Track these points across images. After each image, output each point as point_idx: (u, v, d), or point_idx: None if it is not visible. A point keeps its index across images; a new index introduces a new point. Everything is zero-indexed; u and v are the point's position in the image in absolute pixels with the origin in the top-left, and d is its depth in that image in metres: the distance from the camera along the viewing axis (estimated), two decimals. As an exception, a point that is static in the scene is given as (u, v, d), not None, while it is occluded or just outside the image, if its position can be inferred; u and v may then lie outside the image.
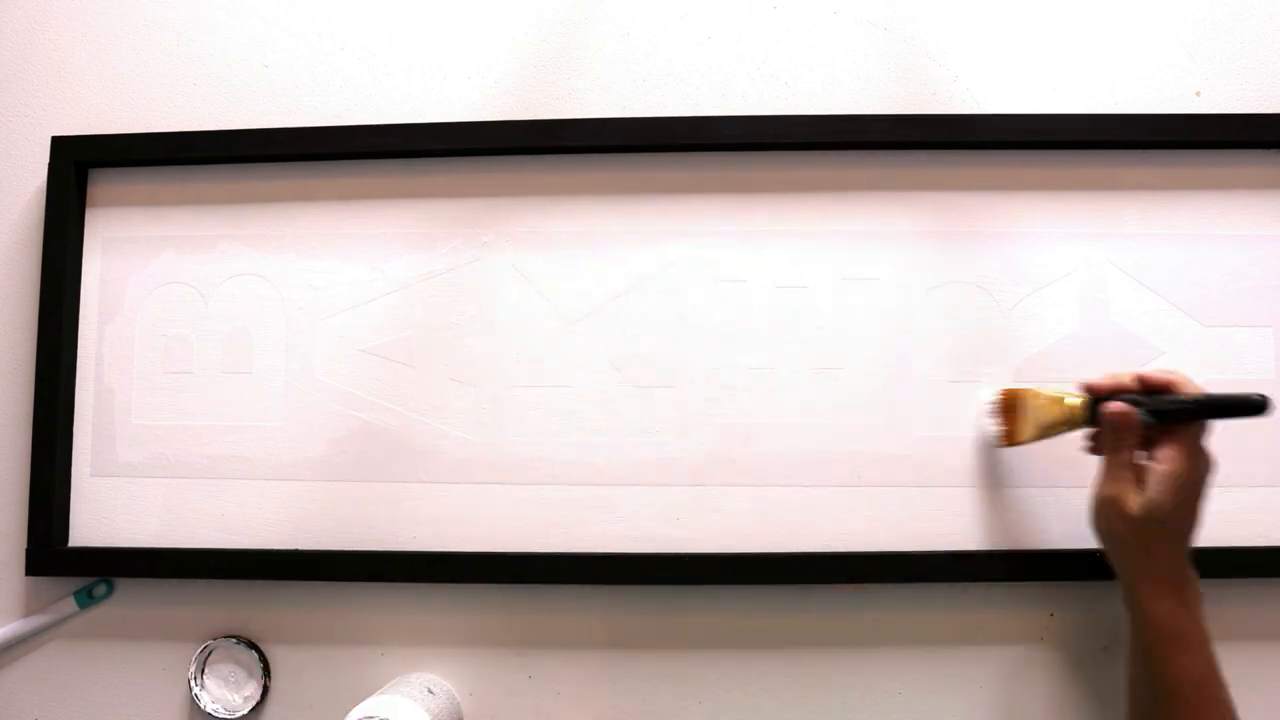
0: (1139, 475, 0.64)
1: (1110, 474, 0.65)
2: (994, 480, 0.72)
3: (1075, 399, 0.67)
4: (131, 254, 0.77)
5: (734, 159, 0.74)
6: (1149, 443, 0.64)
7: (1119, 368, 0.69)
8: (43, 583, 0.76)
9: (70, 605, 0.75)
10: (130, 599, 0.76)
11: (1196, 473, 0.63)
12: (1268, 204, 0.74)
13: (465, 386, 0.74)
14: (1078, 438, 0.69)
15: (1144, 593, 0.63)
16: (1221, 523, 0.71)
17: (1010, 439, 0.70)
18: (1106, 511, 0.65)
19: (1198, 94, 0.75)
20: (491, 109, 0.76)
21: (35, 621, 0.75)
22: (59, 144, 0.76)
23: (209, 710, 0.74)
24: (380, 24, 0.77)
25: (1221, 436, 0.71)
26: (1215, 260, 0.73)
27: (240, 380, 0.75)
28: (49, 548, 0.74)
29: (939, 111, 0.75)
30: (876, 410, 0.73)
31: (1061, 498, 0.72)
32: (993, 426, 0.71)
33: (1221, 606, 0.72)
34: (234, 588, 0.75)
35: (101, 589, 0.75)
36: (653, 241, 0.75)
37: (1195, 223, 0.73)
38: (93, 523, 0.76)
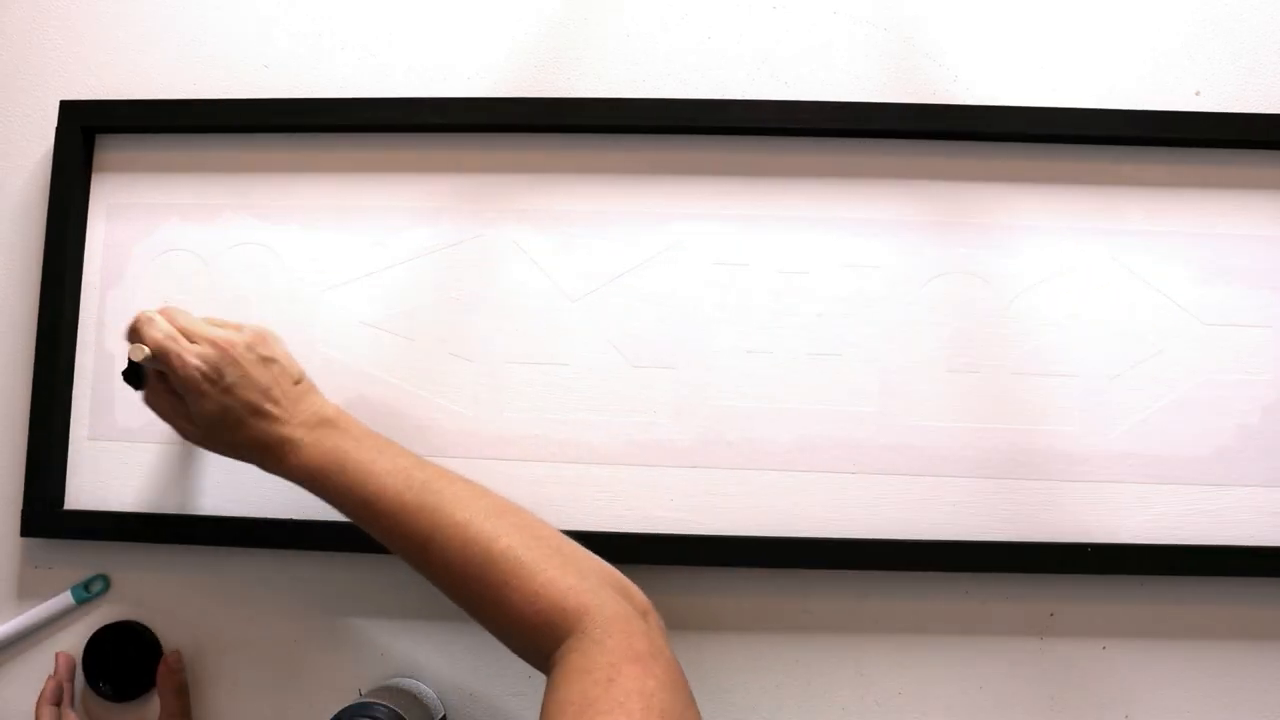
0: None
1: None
2: (990, 471, 0.73)
3: None
4: (136, 220, 0.77)
5: (739, 143, 0.75)
6: None
7: (1105, 360, 0.71)
8: (39, 575, 0.76)
9: (67, 600, 0.75)
10: (130, 598, 0.76)
11: (166, 392, 0.64)
12: (1268, 204, 0.74)
13: (465, 361, 0.75)
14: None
15: (272, 459, 0.63)
16: (1221, 523, 0.72)
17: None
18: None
19: (1197, 94, 0.75)
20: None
21: (32, 616, 0.75)
22: (67, 108, 0.76)
23: None
24: (380, 24, 0.78)
25: (1221, 436, 0.72)
26: (1215, 259, 0.73)
27: (240, 349, 0.76)
28: (45, 510, 0.74)
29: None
30: (873, 397, 0.73)
31: (1058, 491, 0.72)
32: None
33: (1222, 606, 0.72)
34: (229, 555, 0.75)
35: (98, 584, 0.75)
36: (655, 223, 0.75)
37: (1196, 221, 0.74)
38: (89, 486, 0.76)
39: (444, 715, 0.72)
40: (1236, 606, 0.72)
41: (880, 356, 0.74)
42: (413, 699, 0.69)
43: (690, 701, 0.53)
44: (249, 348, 0.62)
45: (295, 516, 0.74)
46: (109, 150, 0.77)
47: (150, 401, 0.66)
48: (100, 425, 0.76)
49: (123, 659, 0.74)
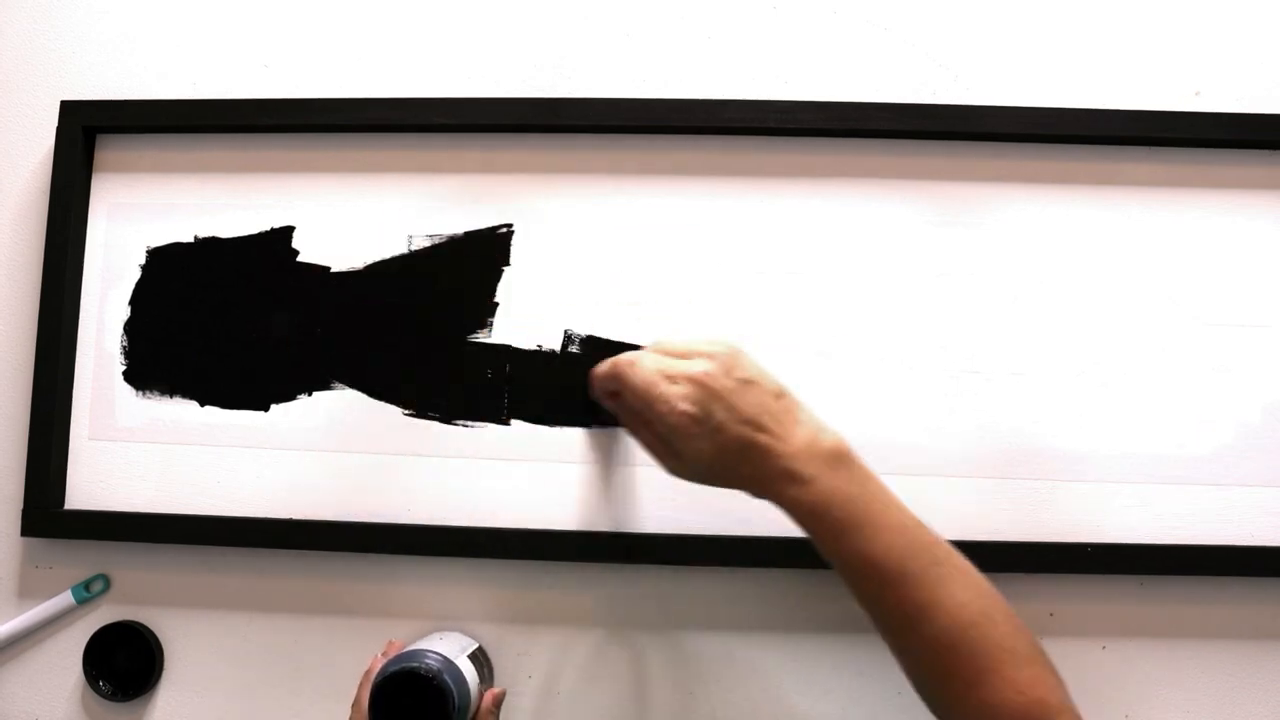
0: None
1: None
2: (990, 471, 0.73)
3: None
4: (136, 220, 0.77)
5: (739, 143, 0.75)
6: None
7: (1105, 360, 0.71)
8: (40, 575, 0.76)
9: (67, 600, 0.75)
10: (130, 598, 0.76)
11: (649, 428, 0.60)
12: (1268, 204, 0.74)
13: (464, 361, 0.75)
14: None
15: (769, 492, 0.58)
16: (1221, 523, 0.72)
17: None
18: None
19: (1197, 94, 0.75)
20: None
21: (33, 616, 0.75)
22: (67, 108, 0.76)
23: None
24: (380, 24, 0.78)
25: (1221, 436, 0.72)
26: (1215, 259, 0.73)
27: (240, 349, 0.76)
28: (45, 510, 0.74)
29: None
30: (875, 398, 0.73)
31: (1058, 491, 0.72)
32: None
33: (1222, 606, 0.72)
34: (229, 555, 0.75)
35: (98, 584, 0.75)
36: (655, 222, 0.75)
37: (1196, 221, 0.74)
38: (89, 486, 0.76)
39: (479, 646, 0.72)
40: (1236, 606, 0.72)
41: (880, 356, 0.74)
42: (453, 641, 0.70)
43: None
44: (727, 374, 0.58)
45: (295, 516, 0.74)
46: (109, 150, 0.77)
47: (631, 431, 0.64)
48: (100, 425, 0.76)
49: (123, 659, 0.74)
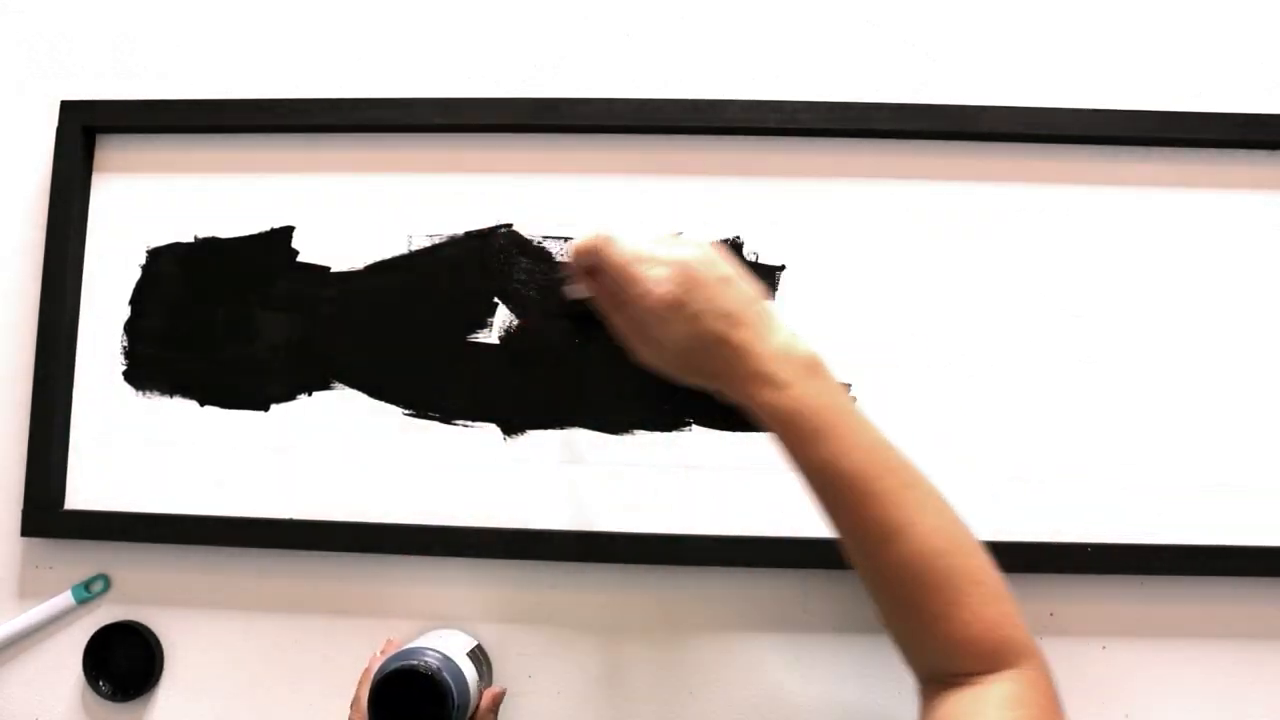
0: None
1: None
2: (991, 471, 0.73)
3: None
4: (136, 220, 0.77)
5: (739, 143, 0.75)
6: None
7: (1105, 360, 0.70)
8: (40, 575, 0.76)
9: (67, 600, 0.75)
10: (130, 598, 0.76)
11: (624, 310, 0.59)
12: (1268, 204, 0.74)
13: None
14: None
15: (742, 393, 0.57)
16: (1221, 523, 0.72)
17: None
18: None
19: (1198, 94, 0.75)
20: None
21: (33, 616, 0.75)
22: (67, 108, 0.76)
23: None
24: (380, 24, 0.78)
25: (1221, 437, 0.72)
26: (1215, 259, 0.73)
27: (241, 349, 0.76)
28: (45, 510, 0.74)
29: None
30: (871, 397, 0.73)
31: (1058, 491, 0.72)
32: None
33: (1222, 606, 0.72)
34: (229, 555, 0.75)
35: (99, 584, 0.75)
36: (655, 222, 0.75)
37: (1196, 221, 0.74)
38: (89, 486, 0.76)
39: (478, 644, 0.72)
40: (1236, 606, 0.72)
41: (879, 356, 0.74)
42: (452, 639, 0.70)
43: None
44: (710, 266, 0.56)
45: (295, 516, 0.74)
46: (109, 150, 0.78)
47: (604, 312, 0.61)
48: (100, 425, 0.76)
49: (123, 659, 0.74)
